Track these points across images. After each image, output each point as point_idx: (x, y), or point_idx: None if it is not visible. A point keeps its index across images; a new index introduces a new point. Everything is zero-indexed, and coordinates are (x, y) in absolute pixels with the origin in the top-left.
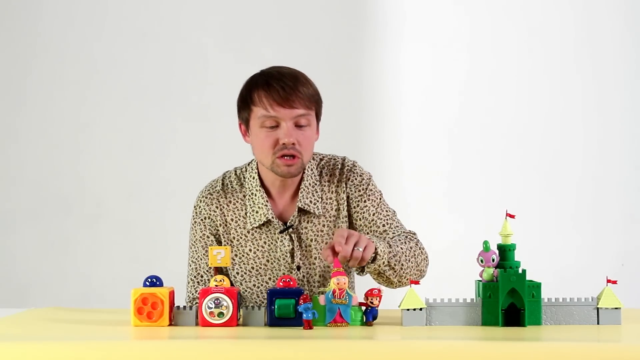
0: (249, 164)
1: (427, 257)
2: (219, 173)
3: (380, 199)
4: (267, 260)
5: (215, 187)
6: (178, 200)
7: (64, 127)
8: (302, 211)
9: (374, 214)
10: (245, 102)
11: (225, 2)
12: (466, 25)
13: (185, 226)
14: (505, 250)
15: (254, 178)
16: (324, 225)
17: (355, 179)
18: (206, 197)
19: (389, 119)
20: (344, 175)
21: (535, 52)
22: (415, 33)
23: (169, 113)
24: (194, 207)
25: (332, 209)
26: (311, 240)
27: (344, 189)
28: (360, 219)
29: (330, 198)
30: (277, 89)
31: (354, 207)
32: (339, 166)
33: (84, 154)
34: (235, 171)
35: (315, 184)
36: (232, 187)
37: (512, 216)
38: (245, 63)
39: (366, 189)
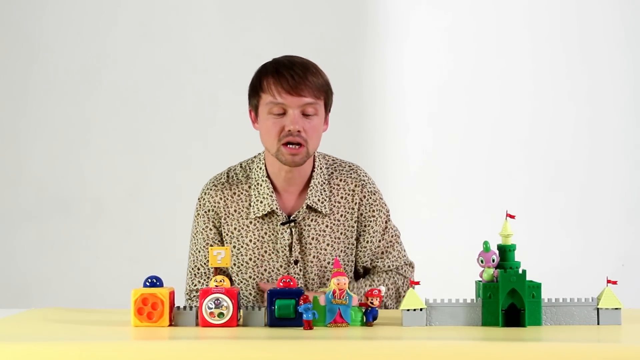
0: (255, 157)
1: (405, 292)
2: (218, 172)
3: (386, 222)
4: (266, 252)
5: (219, 179)
6: (178, 200)
7: (63, 127)
8: (309, 208)
9: (379, 241)
10: (254, 89)
11: (228, 2)
12: (472, 25)
13: (185, 226)
14: (505, 251)
15: (260, 169)
16: (327, 226)
17: (370, 198)
18: (210, 189)
19: (393, 119)
20: (359, 189)
21: (540, 52)
22: (420, 32)
23: (169, 113)
24: (198, 199)
25: (338, 213)
26: (312, 238)
27: (357, 201)
28: (364, 240)
29: (339, 202)
30: (287, 77)
31: (363, 226)
32: (354, 175)
33: (84, 154)
34: (241, 164)
35: (324, 183)
36: (237, 178)
37: (512, 217)
38: (245, 62)
39: (375, 209)
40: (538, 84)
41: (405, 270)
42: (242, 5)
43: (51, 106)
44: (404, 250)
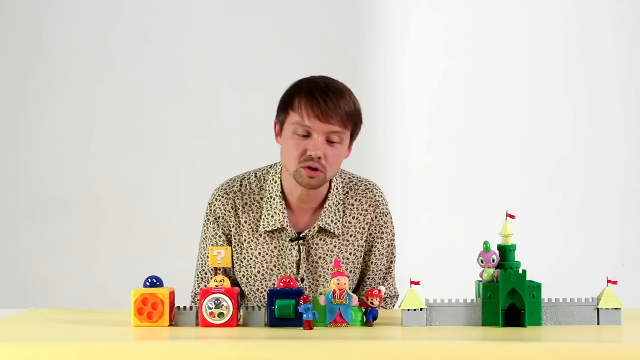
0: (271, 167)
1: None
2: (219, 174)
3: (389, 246)
4: (274, 266)
5: (232, 187)
6: (178, 201)
7: (64, 127)
8: (321, 229)
9: (381, 263)
10: (285, 105)
11: (228, 2)
12: (470, 25)
13: (185, 226)
14: (505, 251)
15: (275, 182)
16: (335, 246)
17: (381, 219)
18: (222, 196)
19: (393, 118)
20: (372, 209)
21: (539, 52)
22: (419, 33)
23: (170, 113)
24: (209, 204)
25: (348, 233)
26: (319, 257)
27: (368, 221)
28: (368, 260)
29: (350, 222)
30: (319, 101)
31: (370, 245)
32: (369, 195)
33: (84, 154)
34: (256, 174)
35: (339, 204)
36: (250, 188)
37: (512, 216)
38: (245, 63)
39: (384, 231)
40: (537, 83)
41: (393, 304)
42: (243, 5)
43: (52, 106)
44: (395, 278)
